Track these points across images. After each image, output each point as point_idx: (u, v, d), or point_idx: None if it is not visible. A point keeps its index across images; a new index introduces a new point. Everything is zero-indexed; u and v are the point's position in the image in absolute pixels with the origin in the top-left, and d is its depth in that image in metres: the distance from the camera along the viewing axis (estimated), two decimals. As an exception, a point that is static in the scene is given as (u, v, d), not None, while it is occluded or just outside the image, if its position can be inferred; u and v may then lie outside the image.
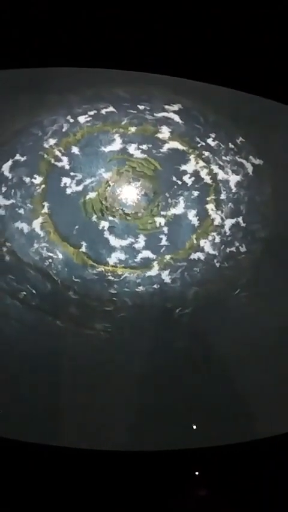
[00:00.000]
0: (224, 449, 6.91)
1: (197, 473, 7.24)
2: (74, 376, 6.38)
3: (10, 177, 6.22)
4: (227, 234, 6.42)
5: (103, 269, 6.80)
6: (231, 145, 5.87)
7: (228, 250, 6.45)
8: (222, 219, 6.37)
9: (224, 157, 6.03)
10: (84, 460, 6.96)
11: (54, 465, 6.99)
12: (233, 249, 6.42)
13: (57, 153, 6.25)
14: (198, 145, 6.07)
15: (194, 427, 6.88)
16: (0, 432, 5.89)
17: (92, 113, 5.91)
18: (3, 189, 6.26)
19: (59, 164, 6.32)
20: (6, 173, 6.17)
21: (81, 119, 5.96)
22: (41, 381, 6.12)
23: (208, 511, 7.78)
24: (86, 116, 5.94)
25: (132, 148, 6.25)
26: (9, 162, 6.10)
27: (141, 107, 5.80)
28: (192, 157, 6.21)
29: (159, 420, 6.24)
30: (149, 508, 7.23)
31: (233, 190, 6.21)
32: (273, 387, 6.31)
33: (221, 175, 6.17)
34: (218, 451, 6.96)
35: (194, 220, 6.50)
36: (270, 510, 6.91)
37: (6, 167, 6.14)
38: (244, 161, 5.92)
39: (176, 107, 5.68)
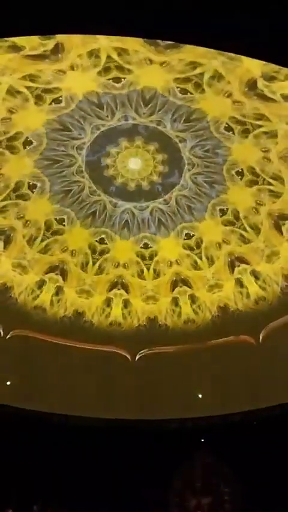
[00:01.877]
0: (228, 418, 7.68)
1: (202, 440, 7.92)
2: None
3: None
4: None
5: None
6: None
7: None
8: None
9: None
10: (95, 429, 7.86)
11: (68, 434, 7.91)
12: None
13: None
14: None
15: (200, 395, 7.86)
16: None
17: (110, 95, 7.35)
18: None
19: (80, 141, 7.79)
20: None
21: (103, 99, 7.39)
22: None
23: (212, 477, 7.99)
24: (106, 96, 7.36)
25: (141, 127, 7.70)
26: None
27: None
28: (189, 136, 7.67)
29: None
30: (156, 473, 7.72)
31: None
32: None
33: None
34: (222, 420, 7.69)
35: (192, 186, 7.98)
36: (272, 476, 7.41)
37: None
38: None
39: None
